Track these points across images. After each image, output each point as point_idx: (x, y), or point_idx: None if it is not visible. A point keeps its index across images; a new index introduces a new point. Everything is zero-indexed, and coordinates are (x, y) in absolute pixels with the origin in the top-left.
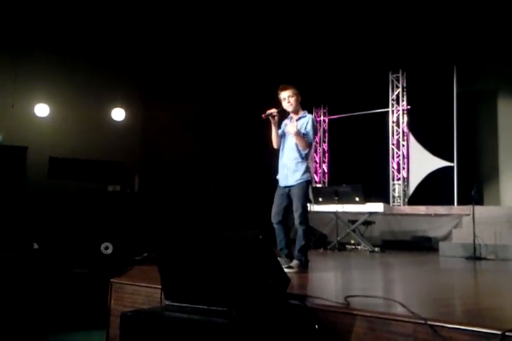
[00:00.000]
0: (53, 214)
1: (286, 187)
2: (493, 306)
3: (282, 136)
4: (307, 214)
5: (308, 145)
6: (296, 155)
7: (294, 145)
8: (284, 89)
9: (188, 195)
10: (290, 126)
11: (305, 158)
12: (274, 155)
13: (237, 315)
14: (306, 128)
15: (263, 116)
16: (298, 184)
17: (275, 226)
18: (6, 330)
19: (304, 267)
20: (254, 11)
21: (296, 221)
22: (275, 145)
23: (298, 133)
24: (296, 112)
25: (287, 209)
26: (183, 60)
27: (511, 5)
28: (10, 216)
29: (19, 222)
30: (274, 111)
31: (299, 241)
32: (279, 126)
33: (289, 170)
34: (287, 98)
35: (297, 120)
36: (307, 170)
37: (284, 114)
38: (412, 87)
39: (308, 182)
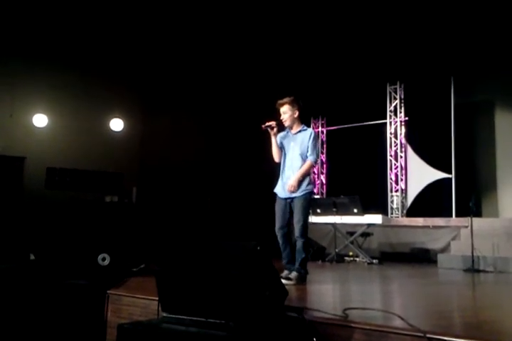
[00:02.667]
0: (50, 224)
1: (288, 198)
2: (492, 319)
3: (282, 148)
4: (307, 226)
5: (311, 164)
6: (300, 166)
7: (298, 156)
8: (280, 105)
9: (186, 206)
10: (287, 186)
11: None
12: (272, 164)
13: (235, 328)
14: (308, 142)
15: (263, 126)
16: (302, 195)
17: (280, 239)
18: None
19: (302, 280)
20: (253, 21)
21: (297, 233)
22: (276, 159)
23: (296, 182)
24: (292, 127)
25: (291, 222)
26: (183, 71)
27: (507, 17)
28: (7, 226)
29: (16, 233)
30: (273, 123)
31: (299, 254)
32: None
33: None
34: (282, 114)
35: (295, 134)
36: (310, 181)
37: (282, 127)
38: (409, 99)
39: (311, 194)
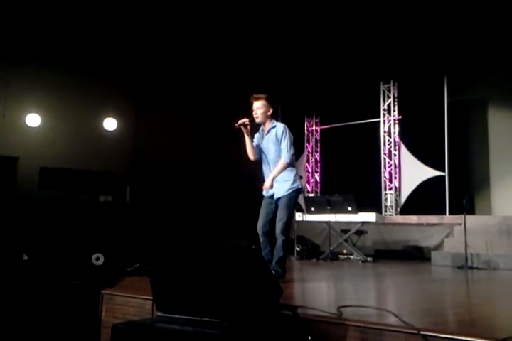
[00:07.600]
0: (44, 224)
1: (273, 196)
2: (486, 315)
3: (260, 148)
4: (290, 225)
5: (285, 163)
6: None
7: (278, 155)
8: (255, 99)
9: (181, 204)
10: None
11: (292, 165)
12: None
13: (230, 326)
14: (277, 137)
15: (236, 125)
16: (288, 194)
17: (261, 238)
18: None
19: (280, 278)
20: (244, 20)
21: (278, 230)
22: (251, 157)
23: (270, 183)
24: (264, 124)
25: (274, 221)
26: (175, 70)
27: (500, 16)
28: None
29: (9, 233)
30: (245, 120)
31: (278, 252)
32: (251, 140)
33: (278, 181)
34: (255, 109)
35: (268, 132)
36: (296, 178)
37: (257, 126)
38: (403, 97)
39: (299, 191)
